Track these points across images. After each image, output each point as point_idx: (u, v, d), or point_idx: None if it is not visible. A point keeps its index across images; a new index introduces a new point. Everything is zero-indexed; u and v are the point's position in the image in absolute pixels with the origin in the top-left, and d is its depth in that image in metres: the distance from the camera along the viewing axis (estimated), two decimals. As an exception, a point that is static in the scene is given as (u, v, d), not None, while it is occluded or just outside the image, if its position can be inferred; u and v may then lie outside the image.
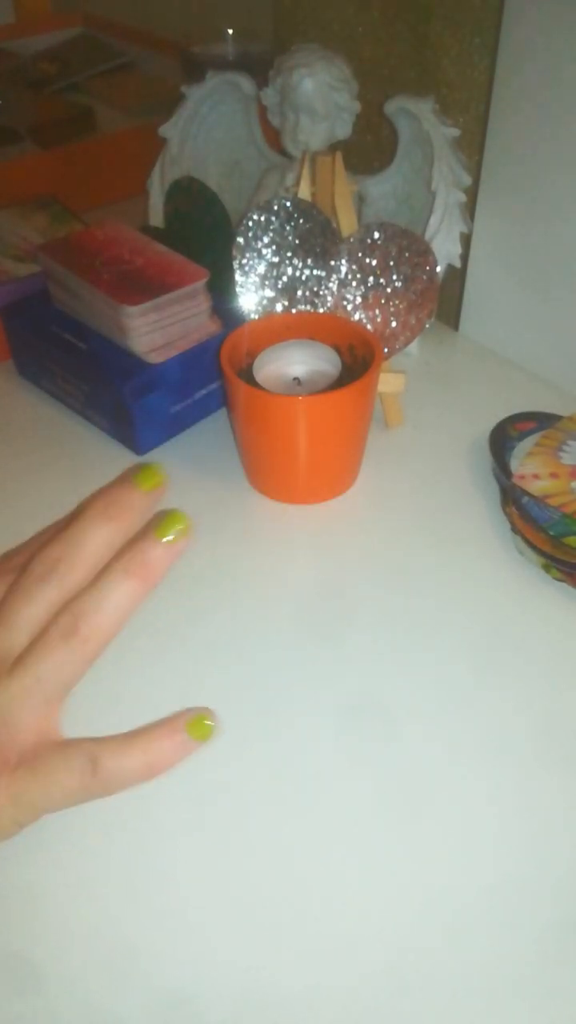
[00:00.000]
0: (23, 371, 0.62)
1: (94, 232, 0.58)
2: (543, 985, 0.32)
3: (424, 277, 0.53)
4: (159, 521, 0.30)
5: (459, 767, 0.38)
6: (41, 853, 0.35)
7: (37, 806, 0.30)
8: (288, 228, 0.53)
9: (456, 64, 0.60)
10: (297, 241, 0.53)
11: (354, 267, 0.54)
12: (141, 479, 0.31)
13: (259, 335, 0.52)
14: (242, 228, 0.53)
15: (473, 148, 0.60)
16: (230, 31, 0.84)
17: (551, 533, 0.46)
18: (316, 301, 0.55)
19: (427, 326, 0.54)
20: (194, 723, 0.30)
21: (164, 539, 0.30)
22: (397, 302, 0.54)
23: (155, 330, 0.53)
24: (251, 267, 0.53)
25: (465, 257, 0.62)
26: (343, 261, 0.54)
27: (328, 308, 0.55)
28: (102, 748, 0.30)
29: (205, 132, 0.70)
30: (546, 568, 0.47)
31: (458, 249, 0.60)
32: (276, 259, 0.54)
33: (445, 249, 0.59)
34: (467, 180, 0.59)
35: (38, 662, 0.29)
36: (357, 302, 0.54)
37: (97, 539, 0.30)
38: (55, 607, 0.30)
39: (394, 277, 0.53)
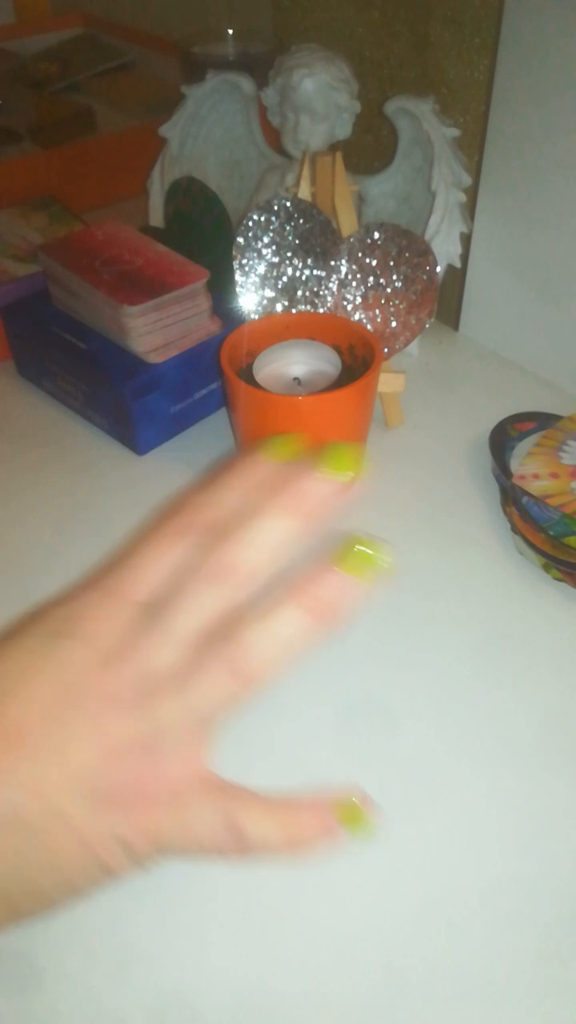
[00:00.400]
0: (23, 371, 0.62)
1: (94, 232, 0.58)
2: (543, 985, 0.32)
3: (424, 277, 0.53)
4: (349, 552, 0.26)
5: (459, 766, 0.38)
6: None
7: (170, 851, 0.27)
8: (288, 228, 0.53)
9: (456, 64, 0.60)
10: (297, 241, 0.53)
11: (354, 267, 0.54)
12: (333, 465, 0.26)
13: (259, 335, 0.52)
14: (242, 228, 0.53)
15: (473, 148, 0.60)
16: (230, 31, 0.84)
17: (551, 533, 0.46)
18: (316, 301, 0.55)
19: (427, 326, 0.54)
20: (347, 810, 0.27)
21: (352, 577, 0.25)
22: (397, 302, 0.54)
23: (155, 330, 0.53)
24: (251, 267, 0.53)
25: (465, 257, 0.62)
26: (343, 261, 0.54)
27: (328, 308, 0.55)
28: (243, 809, 0.27)
29: (205, 132, 0.70)
30: (546, 568, 0.47)
31: (458, 249, 0.60)
32: (276, 259, 0.54)
33: (445, 249, 0.59)
34: (467, 180, 0.59)
35: (195, 692, 0.26)
36: (357, 302, 0.54)
37: (276, 541, 0.26)
38: (219, 617, 0.26)
39: (394, 277, 0.53)
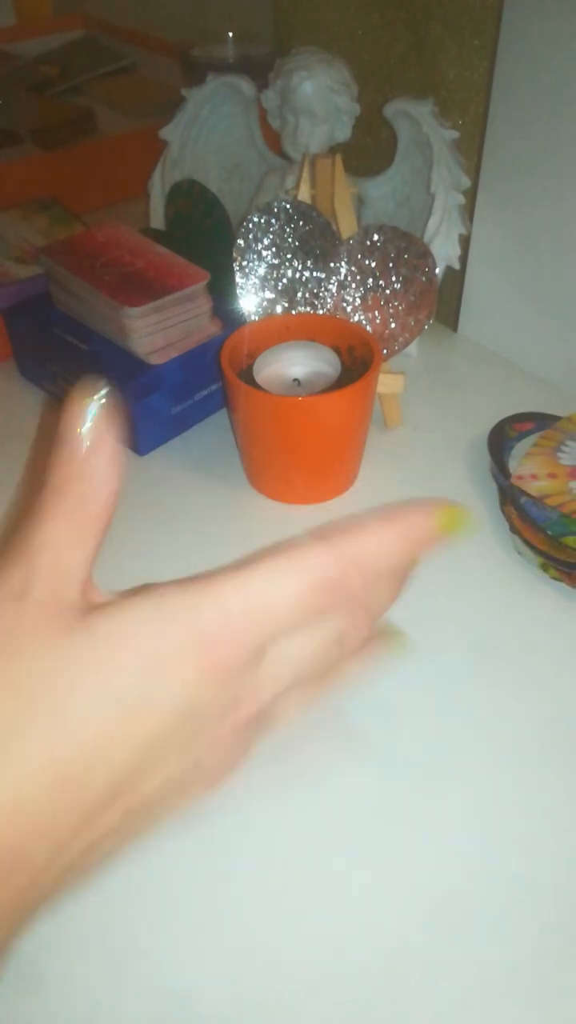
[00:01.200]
0: (25, 372, 0.62)
1: (95, 234, 0.58)
2: (543, 985, 0.32)
3: (423, 279, 0.53)
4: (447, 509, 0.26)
5: (457, 766, 0.39)
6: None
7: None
8: (288, 230, 0.53)
9: (455, 66, 0.60)
10: (297, 243, 0.53)
11: (353, 269, 0.54)
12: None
13: (259, 336, 0.52)
14: (242, 230, 0.53)
15: (472, 150, 0.60)
16: (230, 34, 0.84)
17: (549, 533, 0.46)
18: (316, 303, 0.55)
19: (426, 327, 0.54)
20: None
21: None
22: (396, 304, 0.54)
23: (156, 331, 0.53)
24: (251, 269, 0.54)
25: (464, 259, 0.62)
26: (343, 263, 0.54)
27: (328, 310, 0.55)
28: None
29: (205, 135, 0.71)
30: (544, 567, 0.47)
31: (457, 251, 0.60)
32: (276, 261, 0.54)
33: (444, 251, 0.59)
34: (466, 182, 0.59)
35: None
36: (356, 303, 0.54)
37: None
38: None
39: (393, 279, 0.53)
